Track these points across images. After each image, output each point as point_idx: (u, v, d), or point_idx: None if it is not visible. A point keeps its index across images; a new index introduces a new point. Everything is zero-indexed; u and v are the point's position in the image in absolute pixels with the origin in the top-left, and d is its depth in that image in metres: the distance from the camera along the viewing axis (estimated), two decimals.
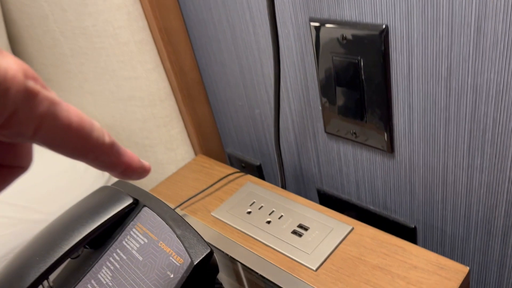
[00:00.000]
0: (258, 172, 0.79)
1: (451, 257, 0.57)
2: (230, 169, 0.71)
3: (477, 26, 0.40)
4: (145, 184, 0.87)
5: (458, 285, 0.47)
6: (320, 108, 0.59)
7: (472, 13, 0.40)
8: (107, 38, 0.69)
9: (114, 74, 0.73)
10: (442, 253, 0.58)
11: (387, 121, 0.52)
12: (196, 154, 0.80)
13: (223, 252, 0.58)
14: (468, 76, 0.43)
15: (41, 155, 0.74)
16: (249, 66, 0.66)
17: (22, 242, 0.68)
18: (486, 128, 0.44)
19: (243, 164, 0.81)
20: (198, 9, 0.67)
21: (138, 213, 0.51)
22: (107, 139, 0.23)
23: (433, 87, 0.46)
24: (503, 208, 0.48)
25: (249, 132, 0.75)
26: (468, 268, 0.47)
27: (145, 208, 0.51)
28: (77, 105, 0.86)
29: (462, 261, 0.56)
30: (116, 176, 0.25)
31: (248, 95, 0.70)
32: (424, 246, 0.60)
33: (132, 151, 0.80)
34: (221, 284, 0.52)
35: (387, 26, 0.46)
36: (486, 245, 0.52)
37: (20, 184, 0.70)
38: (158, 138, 0.77)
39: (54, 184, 0.74)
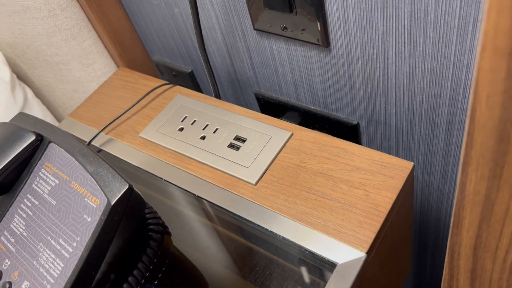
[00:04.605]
0: (191, 79, 0.71)
1: (397, 150, 0.55)
2: (157, 81, 0.63)
3: None
4: (70, 106, 0.78)
5: (402, 183, 0.44)
6: (245, 1, 0.50)
7: None
8: None
9: None
10: (387, 147, 0.55)
11: (319, 11, 0.45)
12: (118, 66, 0.71)
13: (156, 176, 0.53)
14: None
15: None
16: None
17: None
18: (428, 8, 0.38)
19: (173, 73, 0.73)
20: None
21: (44, 150, 0.44)
22: None
23: None
24: (448, 96, 0.44)
25: (173, 35, 0.66)
26: (412, 163, 0.45)
27: (52, 145, 0.44)
28: None
29: (407, 153, 0.54)
30: None
31: None
32: (369, 142, 0.57)
33: (45, 71, 0.70)
34: (155, 212, 0.48)
35: None
36: (430, 136, 0.49)
37: None
38: (70, 53, 0.67)
39: None
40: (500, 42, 0.19)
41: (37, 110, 0.74)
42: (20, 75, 0.77)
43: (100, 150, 0.58)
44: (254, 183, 0.48)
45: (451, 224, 0.32)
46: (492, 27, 0.19)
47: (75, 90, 0.73)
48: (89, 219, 0.38)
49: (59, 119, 0.82)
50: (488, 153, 0.24)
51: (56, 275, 0.38)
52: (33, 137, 0.44)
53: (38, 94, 0.78)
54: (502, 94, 0.21)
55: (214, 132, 0.54)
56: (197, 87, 0.72)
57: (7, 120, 0.67)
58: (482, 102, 0.22)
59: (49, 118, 0.77)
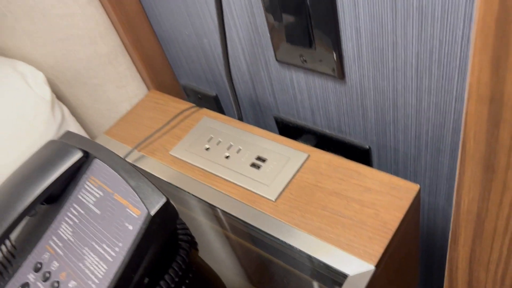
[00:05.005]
0: (215, 102, 0.77)
1: (405, 173, 0.59)
2: (185, 104, 0.69)
3: None
4: (102, 124, 0.84)
5: (409, 203, 0.49)
6: (269, 35, 0.56)
7: None
8: None
9: (46, 12, 0.67)
10: (396, 171, 0.60)
11: (336, 47, 0.50)
12: (148, 89, 0.77)
13: (184, 190, 0.58)
14: None
15: None
16: None
17: None
18: (433, 49, 0.43)
19: (199, 96, 0.79)
20: None
21: (89, 165, 0.50)
22: None
23: (379, 9, 0.44)
24: (451, 126, 0.49)
25: (201, 62, 0.72)
26: (418, 186, 0.49)
27: (96, 160, 0.50)
28: (15, 47, 0.79)
29: (415, 177, 0.58)
30: None
31: (194, 24, 0.66)
32: (379, 165, 0.61)
33: (81, 91, 0.76)
34: (184, 223, 0.53)
35: None
36: (436, 161, 0.54)
37: None
38: (106, 76, 0.73)
39: (2, 136, 0.71)
40: (482, 92, 0.24)
41: (73, 128, 0.80)
42: (58, 94, 0.83)
43: (133, 166, 0.63)
44: (274, 199, 0.53)
45: (449, 240, 0.36)
46: (475, 81, 0.24)
47: (108, 110, 0.79)
48: (131, 228, 0.44)
49: (91, 136, 0.88)
50: (477, 179, 0.29)
51: (100, 276, 0.43)
52: (80, 154, 0.50)
53: (73, 112, 0.84)
54: (485, 132, 0.26)
55: (237, 152, 0.59)
56: (220, 109, 0.78)
57: (47, 136, 0.73)
58: (471, 138, 0.27)
59: (83, 135, 0.83)
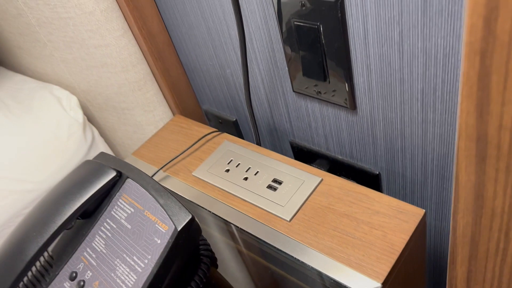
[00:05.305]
0: (235, 127, 0.82)
1: (412, 198, 0.63)
2: (207, 129, 0.74)
3: None
4: (128, 145, 0.90)
5: (415, 226, 0.52)
6: (287, 69, 0.61)
7: None
8: (72, 8, 0.68)
9: (83, 43, 0.73)
10: (404, 195, 0.64)
11: (348, 81, 0.55)
12: (173, 113, 0.83)
13: (205, 209, 0.63)
14: (418, 40, 0.45)
15: (22, 128, 0.76)
16: (215, 28, 0.67)
17: (15, 212, 0.72)
18: (436, 87, 0.48)
19: (220, 120, 0.84)
20: None
21: (122, 184, 0.55)
22: None
23: (387, 50, 0.49)
24: (454, 156, 0.53)
25: (223, 90, 0.78)
26: (423, 210, 0.53)
27: (129, 180, 0.55)
28: (52, 73, 0.86)
29: (421, 201, 0.62)
30: None
31: (218, 56, 0.71)
32: (388, 190, 0.65)
33: (111, 114, 0.82)
34: (205, 239, 0.58)
35: None
36: (441, 187, 0.58)
37: (5, 157, 0.73)
38: (135, 101, 0.79)
39: (39, 154, 0.77)
40: (470, 132, 0.29)
41: (102, 148, 0.86)
42: (89, 117, 0.90)
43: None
44: (288, 220, 0.57)
45: (448, 261, 0.40)
46: (464, 123, 0.29)
47: (135, 132, 0.85)
48: (159, 242, 0.48)
49: (118, 156, 0.94)
50: (469, 206, 0.33)
51: (130, 285, 0.48)
52: (114, 174, 0.55)
53: (102, 134, 0.90)
54: (474, 165, 0.30)
55: (255, 174, 0.64)
56: (239, 134, 0.83)
57: (79, 156, 0.79)
58: (462, 170, 0.31)
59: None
